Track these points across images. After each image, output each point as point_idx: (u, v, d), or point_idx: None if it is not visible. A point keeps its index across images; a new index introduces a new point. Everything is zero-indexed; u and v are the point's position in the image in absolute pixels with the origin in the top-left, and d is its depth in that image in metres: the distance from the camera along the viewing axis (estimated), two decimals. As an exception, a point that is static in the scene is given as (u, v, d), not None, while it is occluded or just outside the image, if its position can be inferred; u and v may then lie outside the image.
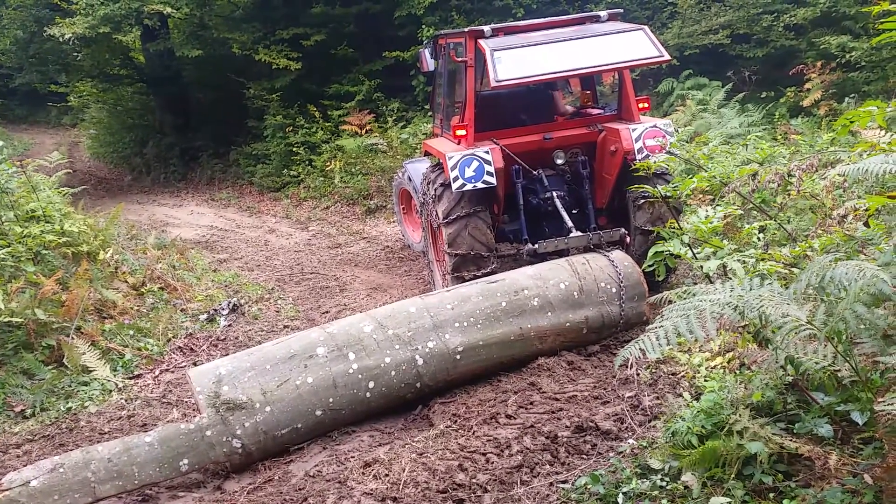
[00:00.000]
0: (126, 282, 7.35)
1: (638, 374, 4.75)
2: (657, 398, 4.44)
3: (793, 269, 3.96)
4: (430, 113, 8.58)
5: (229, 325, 6.97)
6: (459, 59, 6.42)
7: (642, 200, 5.96)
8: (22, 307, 5.77)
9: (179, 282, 7.87)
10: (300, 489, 4.12)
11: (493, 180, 5.93)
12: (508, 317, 5.03)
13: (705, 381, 4.31)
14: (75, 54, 15.65)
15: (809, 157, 4.99)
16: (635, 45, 5.78)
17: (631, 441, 3.99)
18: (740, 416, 3.37)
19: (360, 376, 4.61)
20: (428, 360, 4.78)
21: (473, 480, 3.86)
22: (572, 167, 6.54)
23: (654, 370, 4.75)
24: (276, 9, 14.95)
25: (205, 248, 10.61)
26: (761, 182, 4.36)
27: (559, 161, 6.50)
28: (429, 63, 7.58)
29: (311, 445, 4.65)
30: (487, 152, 5.95)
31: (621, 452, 3.89)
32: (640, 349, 2.67)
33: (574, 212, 6.39)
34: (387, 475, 4.05)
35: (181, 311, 7.22)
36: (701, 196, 7.02)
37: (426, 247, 7.41)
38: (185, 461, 4.15)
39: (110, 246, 7.64)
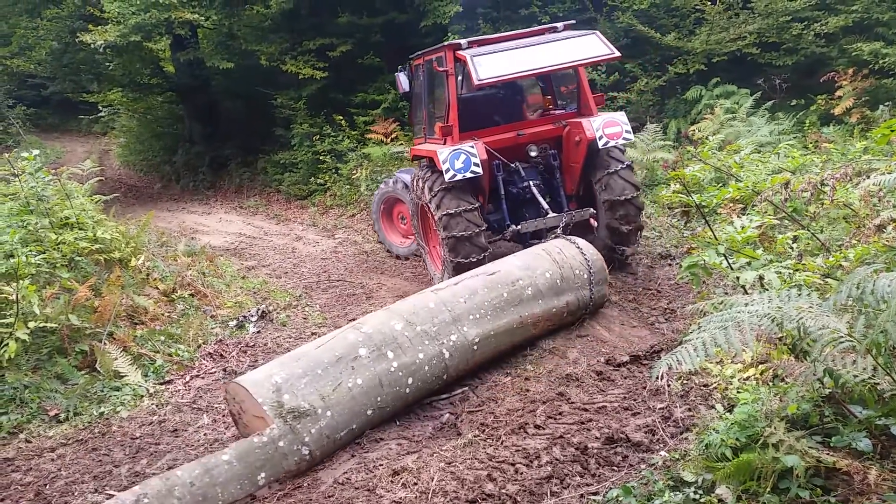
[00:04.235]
0: (157, 288, 7.44)
1: (669, 386, 4.70)
2: (689, 410, 4.39)
3: (827, 280, 3.91)
4: (411, 129, 9.47)
5: (258, 332, 7.03)
6: (441, 69, 7.21)
7: (605, 176, 7.07)
8: (56, 313, 5.86)
9: (209, 288, 7.94)
10: (329, 496, 4.13)
11: (479, 170, 6.77)
12: (510, 307, 5.53)
13: (738, 392, 4.25)
14: (107, 64, 15.95)
15: (843, 166, 4.93)
16: (590, 46, 6.82)
17: (663, 453, 3.95)
18: (775, 428, 3.31)
19: (400, 374, 4.82)
20: (453, 353, 5.14)
21: (503, 490, 3.84)
22: (544, 159, 7.51)
23: (685, 381, 4.70)
24: (304, 19, 15.10)
25: (233, 255, 10.71)
26: (794, 191, 4.31)
27: (533, 154, 7.46)
28: (404, 85, 8.45)
29: (340, 453, 4.67)
30: (472, 147, 6.83)
31: (653, 464, 3.84)
32: (677, 360, 2.64)
33: (546, 199, 7.31)
34: (415, 484, 4.05)
35: (211, 317, 7.29)
36: (731, 205, 6.95)
37: (420, 242, 8.19)
38: (262, 475, 4.16)
39: (142, 253, 7.74)
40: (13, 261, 5.36)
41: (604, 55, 6.80)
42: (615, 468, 3.93)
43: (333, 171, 13.90)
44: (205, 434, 5.12)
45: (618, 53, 6.78)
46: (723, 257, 3.56)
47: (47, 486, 4.50)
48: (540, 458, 4.10)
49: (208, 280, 8.33)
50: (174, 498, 3.77)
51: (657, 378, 4.64)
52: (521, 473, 3.98)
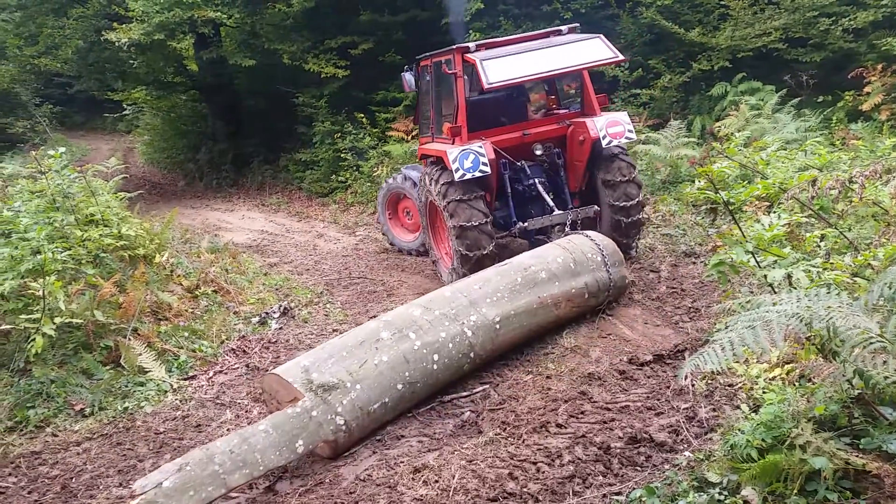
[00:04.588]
0: (181, 284, 7.51)
1: (693, 385, 4.65)
2: (713, 410, 4.33)
3: (856, 279, 3.83)
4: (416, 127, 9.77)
5: (280, 329, 7.06)
6: (450, 72, 7.38)
7: (609, 174, 7.31)
8: (82, 308, 5.93)
9: (232, 285, 8.00)
10: (351, 493, 4.13)
11: (487, 169, 6.97)
12: (526, 289, 5.73)
13: (764, 392, 4.19)
14: (131, 62, 16.13)
15: (872, 163, 4.83)
16: (595, 50, 6.98)
17: (687, 453, 3.90)
18: (802, 429, 3.26)
19: (424, 351, 5.02)
20: (475, 332, 5.31)
21: (524, 489, 3.83)
22: (549, 158, 7.71)
23: (709, 381, 4.64)
24: (326, 17, 15.15)
25: (256, 251, 10.79)
26: (821, 189, 4.23)
27: (538, 152, 7.65)
28: (410, 84, 8.68)
29: (361, 449, 4.68)
30: (481, 146, 7.02)
31: (677, 465, 3.80)
32: (704, 360, 2.60)
33: (551, 196, 7.49)
34: (436, 481, 4.04)
35: (234, 313, 7.34)
36: (757, 203, 6.85)
37: (429, 241, 8.35)
38: (300, 442, 4.34)
39: (165, 249, 7.81)
40: (40, 257, 5.43)
41: (608, 59, 7.02)
42: (638, 468, 3.90)
43: (354, 168, 13.94)
44: (227, 429, 5.15)
45: (622, 57, 7.07)
46: (750, 255, 3.51)
47: (73, 480, 4.56)
48: (562, 458, 4.07)
49: (231, 277, 8.39)
50: (214, 464, 3.95)
51: (682, 379, 4.58)
52: (543, 472, 3.96)
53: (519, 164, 7.60)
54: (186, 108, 19.83)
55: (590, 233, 6.59)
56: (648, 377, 5.04)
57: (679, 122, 10.85)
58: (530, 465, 4.07)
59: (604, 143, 7.18)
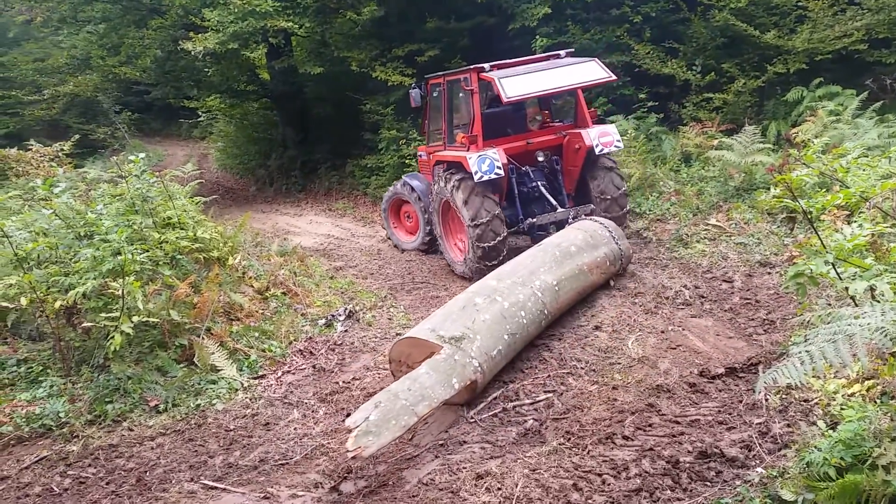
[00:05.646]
0: (252, 286, 7.71)
1: (766, 400, 4.49)
2: (788, 425, 4.18)
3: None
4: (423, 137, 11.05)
5: (345, 331, 7.17)
6: (468, 88, 8.46)
7: (599, 176, 8.64)
8: (158, 308, 6.15)
9: (300, 287, 8.17)
10: (413, 496, 4.16)
11: (501, 172, 8.08)
12: (565, 259, 6.81)
13: (842, 409, 4.01)
14: (206, 71, 16.68)
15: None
16: (592, 71, 8.22)
17: (760, 470, 3.78)
18: (885, 449, 3.11)
19: (513, 309, 5.90)
20: (543, 292, 6.27)
21: (589, 501, 3.78)
22: (548, 164, 8.92)
23: (784, 396, 4.48)
24: (393, 26, 15.32)
25: (322, 255, 10.99)
26: (908, 197, 4.03)
27: (540, 158, 8.86)
28: (416, 101, 9.81)
29: (424, 454, 4.70)
30: (495, 152, 8.15)
31: (749, 481, 3.68)
32: (782, 374, 2.51)
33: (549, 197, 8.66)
34: (499, 489, 4.03)
35: (301, 315, 7.49)
36: (836, 212, 6.57)
37: (438, 234, 9.43)
38: (454, 379, 5.07)
39: (238, 252, 8.03)
40: (120, 258, 5.64)
41: (603, 78, 8.24)
42: (708, 483, 3.79)
43: (419, 174, 14.03)
44: (294, 429, 5.27)
45: (614, 77, 8.40)
46: (830, 266, 3.37)
47: (147, 473, 4.74)
48: (628, 470, 3.99)
49: (299, 279, 8.57)
50: (401, 400, 4.69)
51: (759, 392, 4.44)
52: (609, 485, 3.90)
53: (524, 168, 8.80)
54: (258, 115, 20.36)
55: (594, 217, 7.94)
56: (720, 390, 4.89)
57: (753, 128, 10.50)
58: (595, 476, 4.01)
59: (597, 150, 8.40)
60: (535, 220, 8.42)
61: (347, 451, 4.29)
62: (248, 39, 14.53)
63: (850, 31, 10.76)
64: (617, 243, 7.42)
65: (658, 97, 12.90)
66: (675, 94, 13.15)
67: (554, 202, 8.58)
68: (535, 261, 6.69)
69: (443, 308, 6.03)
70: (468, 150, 8.31)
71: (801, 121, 10.66)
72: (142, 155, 7.32)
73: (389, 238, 11.28)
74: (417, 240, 10.58)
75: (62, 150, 11.26)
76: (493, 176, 8.03)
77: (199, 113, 22.15)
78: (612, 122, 11.60)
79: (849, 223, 5.01)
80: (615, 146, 8.53)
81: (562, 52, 8.88)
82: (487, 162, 8.02)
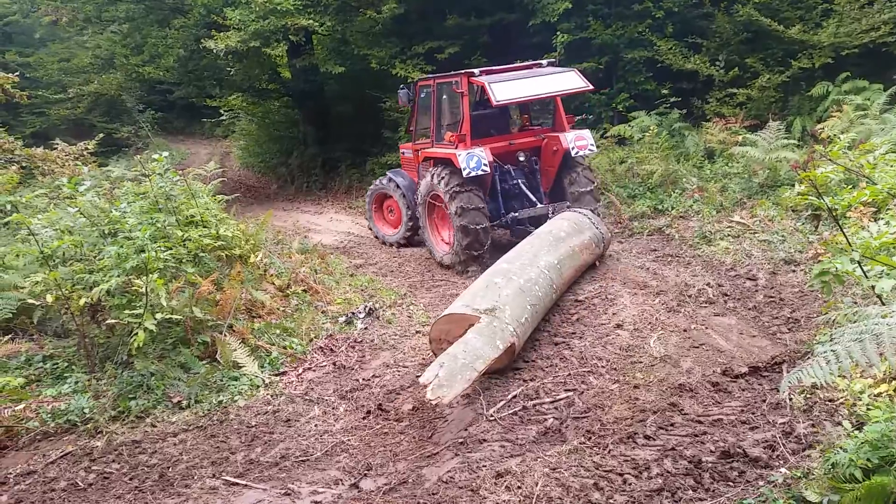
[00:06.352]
0: (273, 284, 7.76)
1: (791, 400, 4.43)
2: (812, 426, 4.12)
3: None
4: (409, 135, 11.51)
5: (365, 328, 7.19)
6: (458, 91, 9.11)
7: (574, 175, 9.43)
8: (181, 305, 6.20)
9: (320, 285, 8.21)
10: (433, 493, 4.16)
11: (487, 169, 8.78)
12: (558, 242, 7.55)
13: (868, 409, 3.95)
14: (228, 69, 16.78)
15: None
16: (571, 80, 9.11)
17: (783, 470, 3.73)
18: (914, 451, 3.04)
19: (529, 285, 6.52)
20: (549, 270, 6.97)
21: (610, 501, 3.75)
22: (528, 164, 9.71)
23: (808, 395, 4.41)
24: (413, 23, 15.32)
25: (343, 253, 11.03)
26: (937, 194, 3.94)
27: (521, 158, 9.66)
28: (404, 101, 10.49)
29: (444, 452, 4.70)
30: (482, 151, 8.85)
31: (772, 482, 3.64)
32: (808, 374, 2.47)
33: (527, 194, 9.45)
34: (519, 487, 4.01)
35: (322, 312, 7.52)
36: (862, 209, 6.46)
37: (424, 227, 9.97)
38: (498, 341, 5.66)
39: (260, 250, 8.07)
40: (144, 256, 5.69)
41: (581, 87, 9.15)
42: (731, 484, 3.75)
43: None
44: (315, 425, 5.29)
45: (591, 87, 9.35)
46: (856, 265, 3.31)
47: (170, 469, 4.78)
48: (650, 470, 3.96)
49: (320, 277, 8.61)
50: (460, 359, 5.33)
51: (783, 392, 4.38)
52: (630, 484, 3.87)
53: (506, 167, 9.56)
54: (279, 114, 20.46)
55: (573, 209, 8.82)
56: (743, 390, 4.84)
57: (778, 124, 10.37)
58: (616, 476, 3.98)
59: (572, 153, 9.20)
60: (516, 214, 9.20)
61: (429, 400, 4.97)
62: (270, 38, 14.61)
63: (878, 24, 10.59)
64: (597, 228, 8.27)
65: (681, 93, 12.78)
66: (698, 90, 13.02)
67: (533, 198, 9.39)
68: (533, 246, 7.38)
69: (468, 290, 6.61)
70: (457, 148, 8.97)
71: (827, 116, 10.52)
72: (165, 153, 7.37)
73: (371, 229, 11.85)
74: (399, 232, 11.11)
75: (87, 148, 11.37)
76: (479, 172, 8.70)
77: (222, 112, 22.28)
78: (633, 118, 12.65)
79: (875, 220, 4.93)
80: (589, 149, 9.35)
81: (543, 62, 9.74)
82: (475, 159, 8.70)
